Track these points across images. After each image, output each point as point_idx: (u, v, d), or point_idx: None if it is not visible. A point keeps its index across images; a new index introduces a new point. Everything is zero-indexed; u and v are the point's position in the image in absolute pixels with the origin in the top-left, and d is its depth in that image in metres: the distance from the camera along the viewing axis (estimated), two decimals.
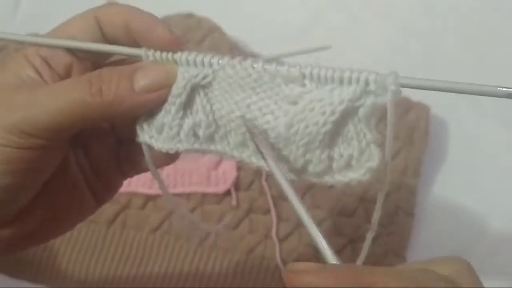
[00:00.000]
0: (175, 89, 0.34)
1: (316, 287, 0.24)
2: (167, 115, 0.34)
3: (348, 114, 0.31)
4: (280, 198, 0.67)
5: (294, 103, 0.31)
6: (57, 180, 0.36)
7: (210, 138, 0.35)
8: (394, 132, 0.30)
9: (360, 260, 0.35)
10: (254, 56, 0.71)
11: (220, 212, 0.66)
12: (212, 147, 0.35)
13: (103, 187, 0.39)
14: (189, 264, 0.64)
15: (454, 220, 0.71)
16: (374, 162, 0.31)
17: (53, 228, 0.38)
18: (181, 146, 0.35)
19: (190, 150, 0.35)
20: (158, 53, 0.34)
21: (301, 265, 0.25)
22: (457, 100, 0.73)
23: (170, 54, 0.33)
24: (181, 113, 0.34)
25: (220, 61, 0.33)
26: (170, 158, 0.37)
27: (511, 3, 0.80)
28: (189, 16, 0.77)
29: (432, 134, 0.72)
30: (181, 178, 0.68)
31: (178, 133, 0.35)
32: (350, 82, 0.30)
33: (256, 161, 0.34)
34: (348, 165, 0.32)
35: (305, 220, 0.27)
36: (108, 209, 0.66)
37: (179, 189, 0.67)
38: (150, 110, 0.35)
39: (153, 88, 0.33)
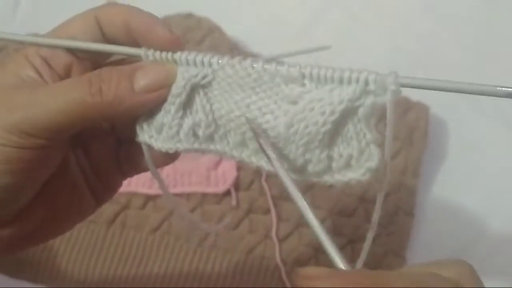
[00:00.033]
0: (174, 89, 0.34)
1: None
2: (166, 115, 0.34)
3: (347, 114, 0.31)
4: (280, 198, 0.67)
5: (294, 103, 0.31)
6: (57, 180, 0.36)
7: (210, 138, 0.35)
8: (393, 132, 0.30)
9: (360, 260, 0.35)
10: (254, 56, 0.71)
11: (220, 212, 0.66)
12: (211, 146, 0.35)
13: (103, 187, 0.39)
14: (189, 264, 0.64)
15: (454, 220, 0.71)
16: (373, 162, 0.31)
17: (53, 228, 0.38)
18: (180, 146, 0.35)
19: (189, 150, 0.35)
20: (157, 53, 0.34)
21: (312, 270, 0.25)
22: (457, 100, 0.73)
23: (169, 54, 0.33)
24: (180, 113, 0.34)
25: (219, 61, 0.33)
26: (170, 157, 0.37)
27: (511, 3, 0.80)
28: (189, 16, 0.77)
29: (432, 134, 0.72)
30: (181, 178, 0.68)
31: (177, 132, 0.35)
32: (349, 82, 0.30)
33: (255, 160, 0.34)
34: (347, 165, 0.32)
35: (313, 224, 0.27)
36: (108, 209, 0.66)
37: (179, 189, 0.67)
38: (150, 110, 0.35)
39: (153, 88, 0.33)
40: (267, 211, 0.66)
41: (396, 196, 0.68)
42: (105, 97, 0.32)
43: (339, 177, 0.32)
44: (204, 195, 0.67)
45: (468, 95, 0.29)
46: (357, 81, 0.30)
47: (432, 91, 0.29)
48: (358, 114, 0.30)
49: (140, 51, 0.34)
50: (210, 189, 0.67)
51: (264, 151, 0.31)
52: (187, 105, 0.34)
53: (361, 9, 0.83)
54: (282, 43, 0.76)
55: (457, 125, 0.75)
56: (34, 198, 0.34)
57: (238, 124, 0.33)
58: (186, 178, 0.68)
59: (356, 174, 0.31)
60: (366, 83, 0.30)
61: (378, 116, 0.31)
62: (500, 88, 0.27)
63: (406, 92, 0.30)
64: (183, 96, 0.33)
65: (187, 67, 0.33)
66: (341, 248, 0.64)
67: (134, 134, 0.36)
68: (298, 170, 0.33)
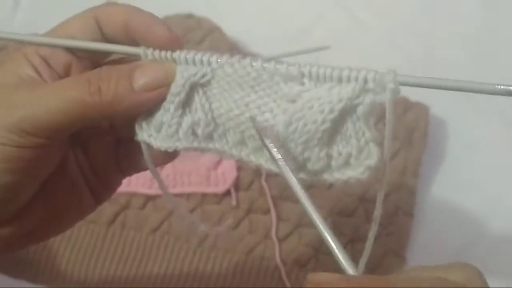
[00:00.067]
0: (174, 88, 0.34)
1: None
2: (166, 114, 0.34)
3: (346, 113, 0.31)
4: (280, 198, 0.67)
5: (293, 101, 0.31)
6: (56, 179, 0.36)
7: (209, 137, 0.35)
8: (393, 132, 0.30)
9: (363, 260, 0.35)
10: (254, 56, 0.71)
11: (220, 212, 0.66)
12: (210, 145, 0.35)
13: (102, 186, 0.39)
14: (188, 265, 0.64)
15: (453, 220, 0.70)
16: (372, 160, 0.31)
17: (52, 227, 0.38)
18: (180, 145, 0.35)
19: (189, 149, 0.35)
20: (157, 52, 0.34)
21: (321, 276, 0.25)
22: (456, 100, 0.72)
23: (169, 53, 0.33)
24: (180, 112, 0.34)
25: (218, 60, 0.33)
26: (169, 156, 0.37)
27: (511, 3, 0.80)
28: (189, 16, 0.77)
29: (431, 134, 0.72)
30: (181, 179, 0.68)
31: (177, 131, 0.35)
32: (348, 80, 0.30)
33: (254, 159, 0.34)
34: (346, 163, 0.32)
35: (319, 226, 0.27)
36: (107, 209, 0.66)
37: (178, 189, 0.67)
38: (149, 109, 0.35)
39: (152, 86, 0.33)
40: (267, 211, 0.66)
41: (395, 196, 0.68)
42: (104, 96, 0.32)
43: (338, 176, 0.32)
44: (204, 195, 0.67)
45: (468, 95, 0.29)
46: (356, 79, 0.30)
47: (432, 90, 0.29)
48: (357, 113, 0.30)
49: (139, 50, 0.34)
50: (210, 189, 0.67)
51: (269, 151, 0.31)
52: (186, 104, 0.34)
53: (361, 9, 0.83)
54: (282, 43, 0.76)
55: (457, 125, 0.75)
56: (33, 197, 0.34)
57: (237, 123, 0.33)
58: (186, 178, 0.68)
59: (355, 173, 0.31)
60: (365, 81, 0.30)
61: (378, 115, 0.31)
62: (500, 86, 0.27)
63: (405, 92, 0.30)
64: (182, 95, 0.33)
65: (186, 66, 0.33)
66: None
67: (133, 133, 0.36)
68: (297, 168, 0.33)
